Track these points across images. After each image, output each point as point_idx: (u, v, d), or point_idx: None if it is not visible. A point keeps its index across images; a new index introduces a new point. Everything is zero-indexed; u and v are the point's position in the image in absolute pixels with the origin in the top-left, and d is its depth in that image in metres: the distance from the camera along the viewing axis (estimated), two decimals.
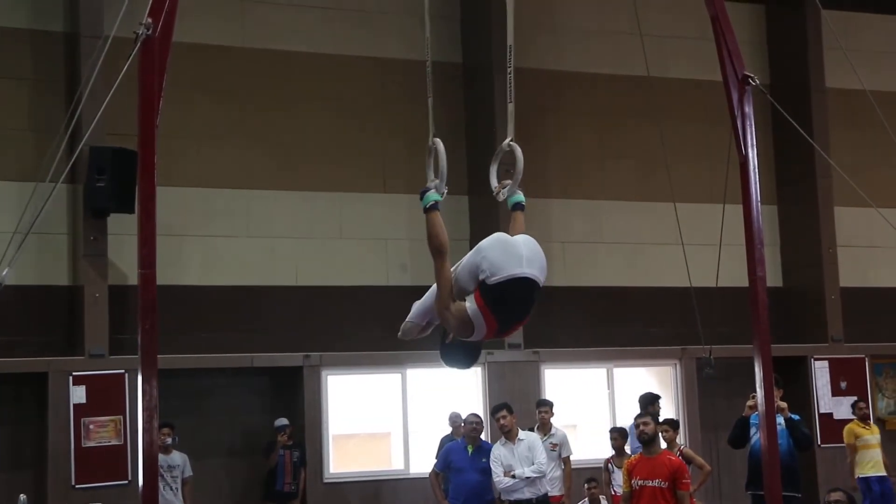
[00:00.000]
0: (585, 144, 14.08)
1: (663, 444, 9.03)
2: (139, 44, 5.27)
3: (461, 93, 13.35)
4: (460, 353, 4.87)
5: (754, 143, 6.56)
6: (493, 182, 5.41)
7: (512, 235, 4.95)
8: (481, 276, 4.63)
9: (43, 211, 5.70)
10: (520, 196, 5.32)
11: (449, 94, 12.99)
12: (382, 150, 13.13)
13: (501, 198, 5.38)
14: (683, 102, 14.18)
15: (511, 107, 5.56)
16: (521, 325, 4.89)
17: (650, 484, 8.07)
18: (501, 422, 10.01)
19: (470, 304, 4.63)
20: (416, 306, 5.24)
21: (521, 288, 4.59)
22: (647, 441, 8.25)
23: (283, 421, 11.67)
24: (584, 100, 14.09)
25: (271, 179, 12.69)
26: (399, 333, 5.40)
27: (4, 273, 5.31)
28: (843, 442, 12.21)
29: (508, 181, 5.36)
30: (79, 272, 11.56)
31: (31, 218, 5.83)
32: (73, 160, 7.28)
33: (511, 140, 5.40)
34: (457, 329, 4.69)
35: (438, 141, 5.15)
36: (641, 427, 8.30)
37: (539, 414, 10.97)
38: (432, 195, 4.92)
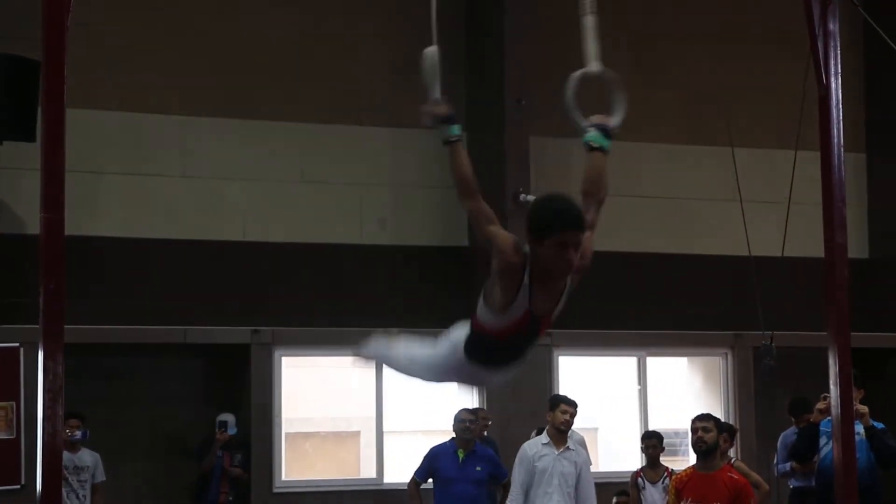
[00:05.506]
0: (616, 66, 13.94)
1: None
2: None
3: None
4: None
5: (839, 71, 6.54)
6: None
7: (582, 185, 5.03)
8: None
9: None
10: (593, 133, 5.23)
11: None
12: (359, 69, 13.07)
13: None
14: (747, 16, 14.10)
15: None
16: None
17: None
18: (565, 417, 9.53)
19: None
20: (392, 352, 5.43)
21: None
22: (705, 452, 8.23)
23: (229, 418, 11.66)
24: (614, 4, 13.95)
25: (215, 104, 12.65)
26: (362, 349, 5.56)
27: None
28: None
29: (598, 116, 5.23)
30: None
31: None
32: None
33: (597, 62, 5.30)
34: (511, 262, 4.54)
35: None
36: (700, 433, 8.26)
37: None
38: (457, 127, 4.84)
